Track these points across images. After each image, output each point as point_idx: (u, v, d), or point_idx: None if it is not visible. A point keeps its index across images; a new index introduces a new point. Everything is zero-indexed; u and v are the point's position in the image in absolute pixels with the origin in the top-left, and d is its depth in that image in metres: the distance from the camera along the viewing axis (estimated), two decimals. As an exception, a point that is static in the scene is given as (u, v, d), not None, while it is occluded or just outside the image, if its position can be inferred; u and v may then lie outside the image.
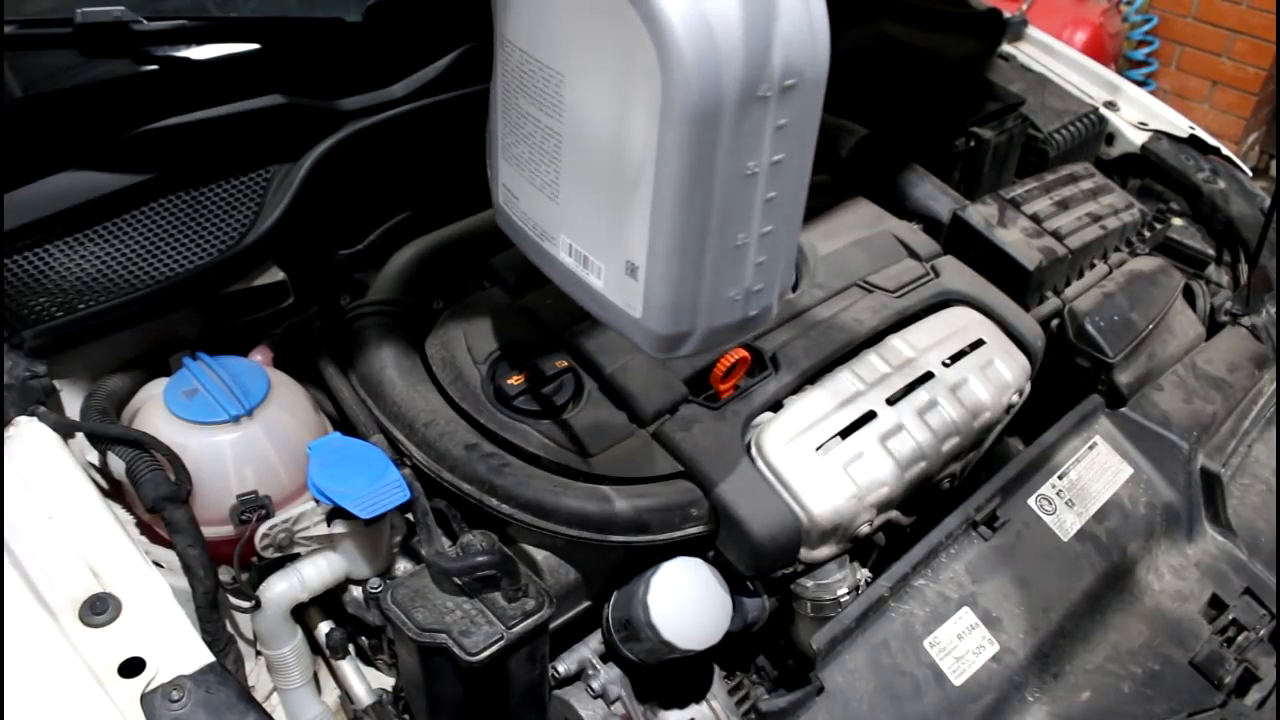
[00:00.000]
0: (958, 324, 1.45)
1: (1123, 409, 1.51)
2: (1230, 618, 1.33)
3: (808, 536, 1.21)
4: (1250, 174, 2.03)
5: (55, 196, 1.24)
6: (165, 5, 1.58)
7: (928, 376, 1.35)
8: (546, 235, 1.04)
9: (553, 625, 1.15)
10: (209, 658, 0.92)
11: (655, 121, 0.81)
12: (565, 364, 1.28)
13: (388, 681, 1.24)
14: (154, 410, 1.17)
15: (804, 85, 0.82)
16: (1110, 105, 2.10)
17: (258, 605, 1.16)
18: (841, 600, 1.24)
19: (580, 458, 1.19)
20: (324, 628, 1.22)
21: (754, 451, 1.23)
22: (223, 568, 1.14)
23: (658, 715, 1.25)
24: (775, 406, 1.30)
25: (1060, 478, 1.38)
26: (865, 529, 1.25)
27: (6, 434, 1.08)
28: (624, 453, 1.21)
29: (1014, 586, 1.26)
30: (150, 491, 1.06)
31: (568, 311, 1.32)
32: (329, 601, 1.23)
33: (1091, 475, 1.40)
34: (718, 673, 1.30)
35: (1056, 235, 1.60)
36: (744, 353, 1.27)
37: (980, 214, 1.61)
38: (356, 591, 1.21)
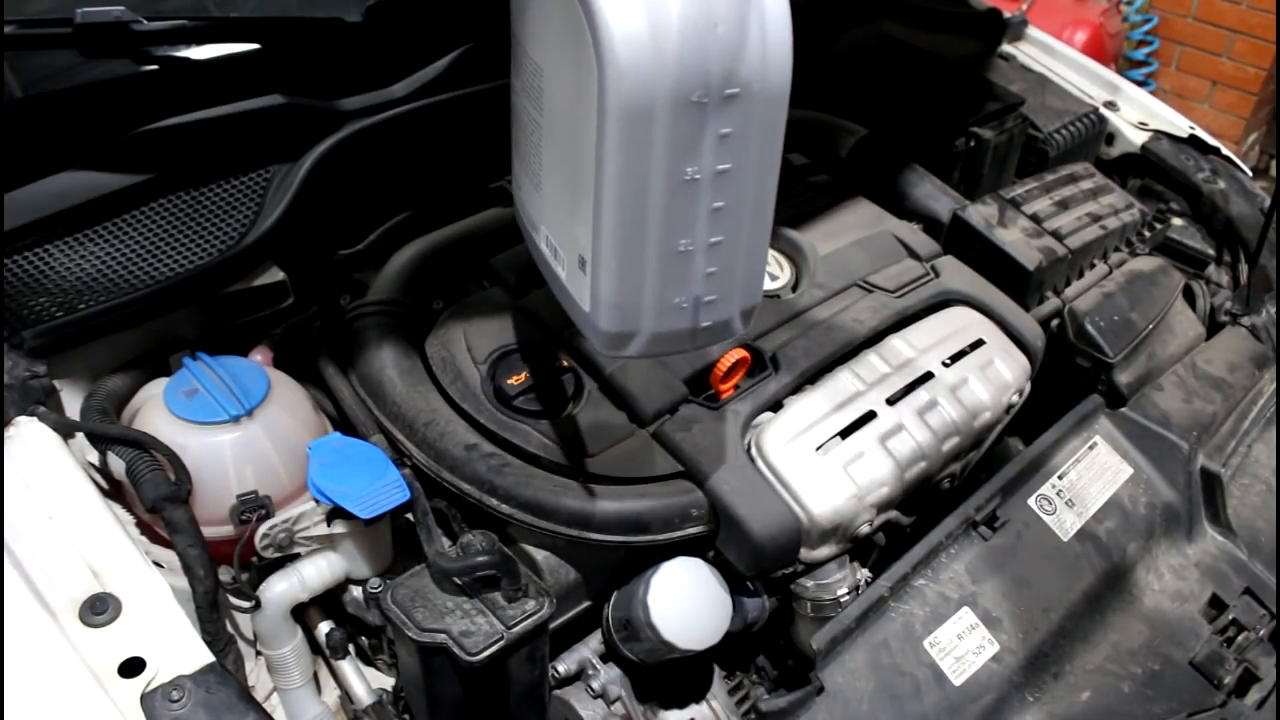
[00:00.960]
0: (958, 324, 1.45)
1: (1123, 409, 1.51)
2: (1230, 618, 1.33)
3: (808, 536, 1.21)
4: (1250, 174, 2.03)
5: (55, 196, 1.24)
6: (165, 5, 1.58)
7: (928, 376, 1.35)
8: (533, 225, 1.07)
9: (553, 625, 1.15)
10: (209, 658, 0.93)
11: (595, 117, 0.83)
12: (565, 364, 1.28)
13: (388, 681, 1.24)
14: (154, 410, 1.17)
15: (751, 97, 0.83)
16: (1110, 105, 2.10)
17: (258, 605, 1.16)
18: (841, 600, 1.24)
19: (580, 458, 1.19)
20: (324, 628, 1.22)
21: (754, 451, 1.23)
22: (223, 568, 1.14)
23: (658, 715, 1.25)
24: (775, 406, 1.30)
25: (1060, 478, 1.38)
26: (865, 529, 1.25)
27: (6, 434, 1.08)
28: (624, 453, 1.21)
29: (1014, 586, 1.26)
30: (150, 491, 1.06)
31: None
32: (329, 601, 1.23)
33: (1091, 475, 1.40)
34: (718, 673, 1.30)
35: (1056, 235, 1.60)
36: (744, 353, 1.27)
37: (980, 214, 1.61)
38: (356, 591, 1.21)
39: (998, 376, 1.40)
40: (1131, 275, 1.68)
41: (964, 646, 1.20)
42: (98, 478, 1.13)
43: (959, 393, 1.36)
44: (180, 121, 1.30)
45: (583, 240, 0.91)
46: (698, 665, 1.28)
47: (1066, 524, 1.34)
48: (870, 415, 1.29)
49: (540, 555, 1.20)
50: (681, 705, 1.26)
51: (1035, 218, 1.62)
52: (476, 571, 1.02)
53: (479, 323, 1.33)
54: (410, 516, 1.13)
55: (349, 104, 1.43)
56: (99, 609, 0.94)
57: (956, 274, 1.54)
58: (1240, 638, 1.32)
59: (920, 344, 1.40)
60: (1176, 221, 1.95)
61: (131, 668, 0.90)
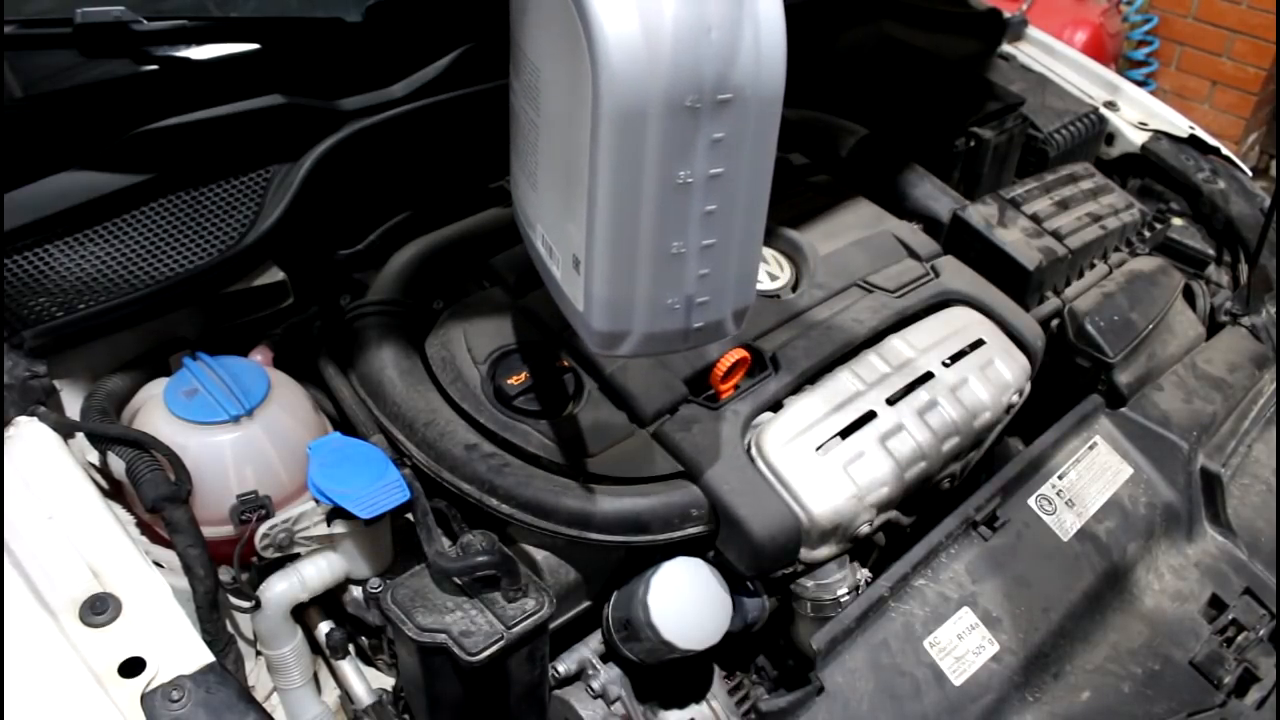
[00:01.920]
0: (958, 324, 1.45)
1: (1123, 409, 1.51)
2: (1230, 618, 1.33)
3: (808, 536, 1.21)
4: (1250, 174, 2.03)
5: (55, 196, 1.24)
6: (165, 5, 1.58)
7: (928, 376, 1.35)
8: (530, 224, 1.07)
9: (553, 625, 1.15)
10: (209, 658, 0.93)
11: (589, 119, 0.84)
12: (565, 364, 1.28)
13: (388, 681, 1.24)
14: (154, 410, 1.17)
15: (744, 102, 0.84)
16: (1110, 105, 2.10)
17: (258, 605, 1.16)
18: (841, 600, 1.24)
19: (580, 458, 1.19)
20: (324, 628, 1.22)
21: (754, 451, 1.23)
22: (223, 568, 1.14)
23: (658, 715, 1.25)
24: (775, 406, 1.30)
25: (1060, 478, 1.38)
26: (865, 529, 1.25)
27: (6, 434, 1.08)
28: (624, 453, 1.21)
29: (1014, 586, 1.26)
30: (150, 491, 1.06)
31: (566, 311, 1.32)
32: (329, 601, 1.23)
33: (1091, 475, 1.40)
34: (718, 673, 1.31)
35: (1056, 235, 1.60)
36: (744, 353, 1.27)
37: (980, 214, 1.61)
38: (356, 591, 1.21)
39: (998, 376, 1.41)
40: (1131, 275, 1.68)
41: (964, 646, 1.20)
42: (98, 478, 1.13)
43: (959, 393, 1.36)
44: (180, 121, 1.30)
45: (576, 240, 0.91)
46: (698, 665, 1.28)
47: (1066, 524, 1.34)
48: (870, 415, 1.29)
49: (540, 555, 1.20)
50: (681, 705, 1.26)
51: (1035, 218, 1.62)
52: (476, 571, 1.02)
53: (479, 323, 1.33)
54: (410, 516, 1.13)
55: (349, 104, 1.43)
56: (99, 609, 0.94)
57: (956, 274, 1.54)
58: (1240, 638, 1.32)
59: (920, 344, 1.40)
60: (1176, 221, 1.95)
61: (131, 668, 0.90)
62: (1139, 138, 2.05)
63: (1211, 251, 1.93)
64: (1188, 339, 1.68)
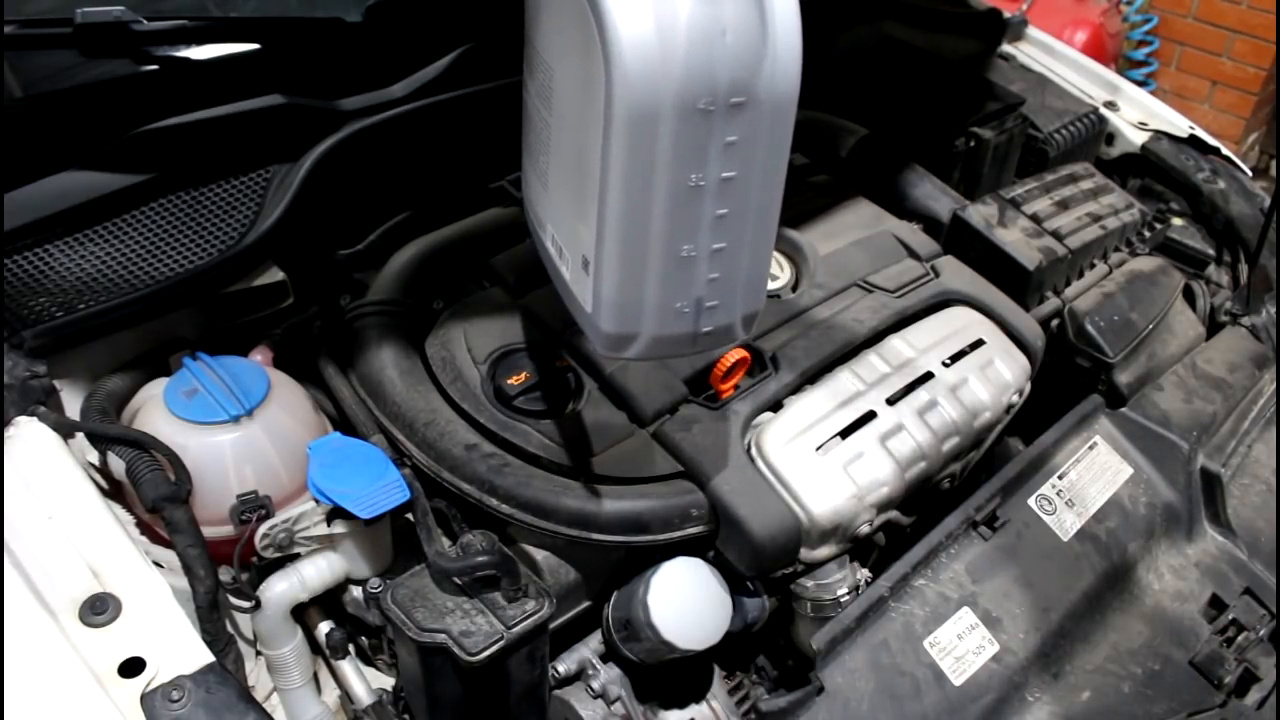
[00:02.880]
0: (958, 324, 1.45)
1: (1123, 409, 1.51)
2: (1230, 618, 1.33)
3: (808, 536, 1.21)
4: (1250, 174, 2.03)
5: (55, 196, 1.24)
6: (165, 5, 1.58)
7: (928, 376, 1.35)
8: (540, 224, 1.07)
9: (553, 625, 1.15)
10: (209, 658, 0.93)
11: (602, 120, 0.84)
12: (565, 364, 1.28)
13: (388, 681, 1.24)
14: (154, 410, 1.17)
15: (758, 106, 0.83)
16: (1110, 105, 2.10)
17: (258, 605, 1.16)
18: (841, 600, 1.24)
19: (580, 458, 1.19)
20: (324, 628, 1.22)
21: (754, 451, 1.23)
22: (223, 568, 1.14)
23: (658, 715, 1.25)
24: (775, 406, 1.30)
25: (1060, 478, 1.38)
26: (865, 529, 1.25)
27: (6, 434, 1.08)
28: (624, 453, 1.21)
29: (1014, 586, 1.26)
30: (150, 491, 1.06)
31: (568, 311, 1.32)
32: (329, 601, 1.23)
33: (1091, 475, 1.40)
34: (718, 673, 1.31)
35: (1056, 235, 1.60)
36: (744, 353, 1.27)
37: (980, 214, 1.61)
38: (356, 591, 1.21)
39: (998, 376, 1.40)
40: (1131, 275, 1.68)
41: (964, 646, 1.20)
42: (98, 478, 1.13)
43: (959, 393, 1.36)
44: (180, 121, 1.30)
45: (586, 241, 0.91)
46: (698, 665, 1.28)
47: (1067, 524, 1.34)
48: (870, 415, 1.29)
49: (540, 555, 1.20)
50: (681, 705, 1.26)
51: (1035, 218, 1.62)
52: (476, 571, 1.02)
53: (479, 323, 1.33)
54: (410, 516, 1.13)
55: (349, 104, 1.43)
56: (99, 609, 0.94)
57: (956, 274, 1.54)
58: (1240, 638, 1.32)
59: (920, 344, 1.40)
60: (1176, 221, 1.95)
61: (131, 668, 0.90)
62: (1139, 138, 2.05)
63: (1211, 251, 1.93)
64: (1188, 339, 1.68)
